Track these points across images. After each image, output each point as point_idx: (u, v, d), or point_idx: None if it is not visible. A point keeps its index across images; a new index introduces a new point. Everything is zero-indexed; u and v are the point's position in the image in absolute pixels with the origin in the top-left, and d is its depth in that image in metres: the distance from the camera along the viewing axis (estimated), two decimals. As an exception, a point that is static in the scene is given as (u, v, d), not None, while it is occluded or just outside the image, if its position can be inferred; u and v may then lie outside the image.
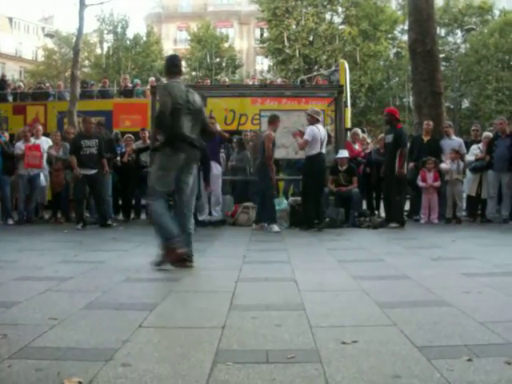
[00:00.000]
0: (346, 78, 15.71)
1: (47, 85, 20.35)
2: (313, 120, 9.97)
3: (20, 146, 11.65)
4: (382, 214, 11.46)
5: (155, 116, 6.28)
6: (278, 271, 5.44)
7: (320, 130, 9.89)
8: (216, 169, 10.86)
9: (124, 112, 15.85)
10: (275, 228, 9.73)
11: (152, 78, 19.50)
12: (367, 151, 12.74)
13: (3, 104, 17.00)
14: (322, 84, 15.93)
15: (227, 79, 21.34)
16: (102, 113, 14.70)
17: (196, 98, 5.90)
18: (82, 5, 15.78)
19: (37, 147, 11.58)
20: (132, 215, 12.56)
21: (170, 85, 5.87)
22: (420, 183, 11.25)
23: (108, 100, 16.95)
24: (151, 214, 6.70)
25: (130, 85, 17.85)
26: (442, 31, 39.39)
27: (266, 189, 10.01)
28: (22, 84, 20.54)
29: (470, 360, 2.68)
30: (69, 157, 10.93)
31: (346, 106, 14.63)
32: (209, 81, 21.16)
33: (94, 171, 10.62)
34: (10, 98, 17.81)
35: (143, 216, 12.46)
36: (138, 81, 19.66)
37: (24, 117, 16.08)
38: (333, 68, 19.61)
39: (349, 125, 14.57)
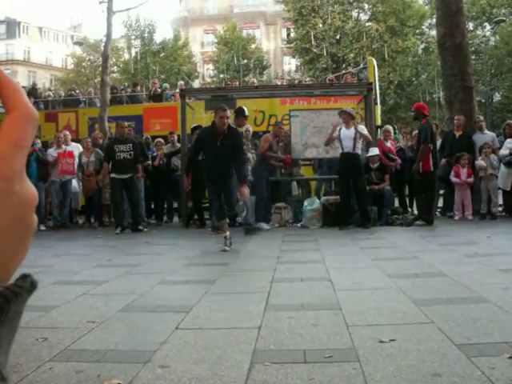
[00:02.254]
0: (375, 75, 15.59)
1: (77, 92, 20.61)
2: (350, 118, 9.99)
3: (52, 152, 11.82)
4: (416, 212, 11.35)
5: None
6: (312, 271, 5.43)
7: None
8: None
9: (154, 116, 15.95)
10: (265, 226, 10.11)
11: (181, 82, 19.61)
12: (397, 148, 12.64)
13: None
14: (350, 82, 15.85)
15: (255, 80, 21.35)
16: (132, 118, 14.81)
17: None
18: (110, 12, 15.95)
19: (70, 154, 11.74)
20: (165, 218, 12.64)
21: None
22: (453, 179, 11.09)
23: (138, 105, 17.09)
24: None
25: (159, 89, 17.98)
26: (470, 24, 38.80)
27: (261, 190, 10.44)
28: (50, 93, 20.82)
29: (511, 358, 2.64)
30: (103, 163, 11.03)
31: (376, 104, 14.55)
32: (237, 82, 21.19)
33: (128, 175, 10.68)
34: (42, 106, 18.09)
35: (176, 219, 12.54)
36: (167, 85, 19.79)
37: (56, 124, 16.29)
38: (361, 66, 19.49)
39: (379, 122, 14.44)
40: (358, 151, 10.05)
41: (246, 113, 10.31)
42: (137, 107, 16.68)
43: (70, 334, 3.30)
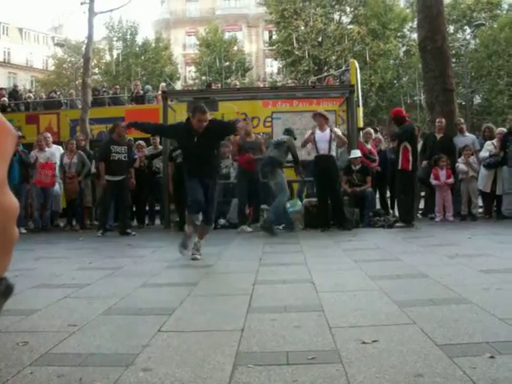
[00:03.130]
0: (357, 77, 15.67)
1: (58, 93, 20.50)
2: (324, 121, 10.03)
3: (33, 155, 11.71)
4: (397, 213, 11.43)
5: None
6: (294, 273, 5.44)
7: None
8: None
9: (136, 118, 15.85)
10: (247, 229, 10.31)
11: (163, 84, 19.56)
12: (378, 150, 12.70)
13: (16, 114, 17.12)
14: (332, 84, 15.92)
15: (238, 82, 21.37)
16: (114, 119, 14.72)
17: None
18: (92, 13, 15.88)
19: (50, 165, 11.61)
20: (146, 221, 12.59)
21: None
22: (433, 181, 11.18)
23: (120, 107, 17.05)
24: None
25: (141, 91, 17.94)
26: (451, 28, 39.16)
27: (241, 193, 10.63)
28: (31, 95, 20.67)
29: (492, 357, 2.66)
30: (97, 164, 10.89)
31: (358, 106, 14.63)
32: (219, 85, 21.20)
33: (121, 177, 10.61)
34: (23, 108, 17.96)
35: (157, 222, 12.49)
36: (149, 87, 19.76)
37: (37, 126, 16.19)
38: (343, 68, 19.58)
39: (361, 124, 14.52)
40: (333, 153, 10.10)
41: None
42: (119, 109, 16.64)
43: (51, 338, 3.27)
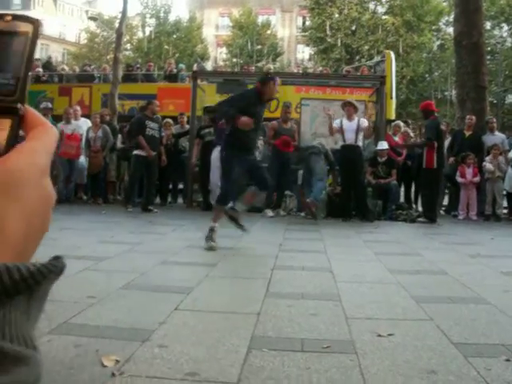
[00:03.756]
0: (392, 68, 15.46)
1: (92, 67, 20.57)
2: (353, 110, 9.95)
3: (60, 127, 11.77)
4: (420, 208, 11.36)
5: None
6: (314, 261, 5.44)
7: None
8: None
9: (168, 96, 15.85)
10: (269, 213, 10.27)
11: (196, 64, 19.46)
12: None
13: (50, 85, 17.21)
14: (364, 74, 15.79)
15: (271, 67, 21.21)
16: (146, 96, 14.72)
17: None
18: (127, -12, 15.88)
19: (75, 137, 11.70)
20: (169, 199, 12.66)
21: None
22: (459, 179, 11.06)
23: (152, 84, 17.03)
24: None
25: (174, 70, 17.92)
26: (488, 24, 38.53)
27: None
28: (65, 67, 20.74)
29: (508, 360, 2.64)
30: (136, 138, 10.84)
31: (391, 98, 14.53)
32: (253, 68, 21.07)
33: (153, 153, 10.66)
34: (56, 79, 18.06)
35: (180, 200, 12.56)
36: (183, 66, 19.72)
37: (69, 98, 16.24)
38: (378, 58, 19.37)
39: (393, 116, 14.36)
40: (360, 143, 10.01)
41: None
42: (151, 86, 16.62)
43: (70, 308, 3.32)
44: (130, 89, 16.04)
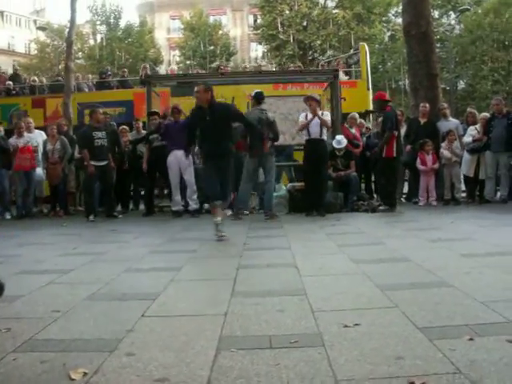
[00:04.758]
0: (367, 61, 15.64)
1: (62, 77, 20.27)
2: (317, 105, 9.95)
3: (12, 141, 11.59)
4: (381, 198, 11.51)
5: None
6: (278, 257, 5.46)
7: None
8: (186, 157, 10.10)
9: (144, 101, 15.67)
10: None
11: (145, 65, 19.23)
12: (367, 135, 12.74)
13: (22, 98, 16.80)
14: (317, 69, 15.91)
15: (248, 66, 20.93)
16: (122, 103, 14.54)
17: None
18: (74, -4, 15.70)
19: (28, 149, 11.52)
20: (131, 206, 12.57)
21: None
22: (420, 166, 11.22)
23: (128, 90, 16.78)
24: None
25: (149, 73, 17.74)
26: (435, 13, 39.21)
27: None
28: (36, 78, 20.26)
29: (471, 339, 2.70)
30: (80, 150, 10.84)
31: (368, 89, 15.01)
32: (228, 68, 20.80)
33: (104, 163, 10.65)
34: (28, 91, 17.60)
35: (142, 206, 12.47)
36: (158, 69, 19.60)
37: (43, 110, 15.85)
38: (351, 51, 19.57)
39: (370, 107, 14.43)
40: (324, 137, 10.05)
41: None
42: (127, 92, 16.38)
43: (35, 324, 3.27)
44: (106, 96, 15.82)
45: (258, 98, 10.05)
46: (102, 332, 3.11)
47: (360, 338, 2.82)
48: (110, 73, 19.58)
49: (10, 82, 17.77)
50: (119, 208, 12.07)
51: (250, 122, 8.48)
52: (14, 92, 17.40)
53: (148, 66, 18.54)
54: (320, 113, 9.92)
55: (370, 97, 14.80)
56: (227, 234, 7.07)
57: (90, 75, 20.13)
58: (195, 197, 10.52)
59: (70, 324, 3.29)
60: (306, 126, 9.90)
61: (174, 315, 3.44)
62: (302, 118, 10.03)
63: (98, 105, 14.42)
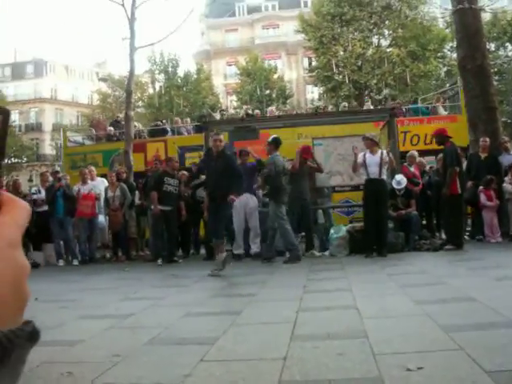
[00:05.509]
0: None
1: (163, 121, 20.83)
2: (373, 144, 9.90)
3: (77, 188, 12.04)
4: (444, 236, 11.24)
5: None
6: (338, 299, 5.37)
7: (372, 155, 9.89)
8: (252, 201, 10.60)
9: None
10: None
11: (177, 119, 19.69)
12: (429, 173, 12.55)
13: (122, 142, 17.22)
14: (372, 108, 15.88)
15: (274, 109, 21.17)
16: (199, 147, 14.68)
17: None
18: (133, 48, 16.24)
19: (91, 196, 11.90)
20: (191, 251, 12.69)
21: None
22: (487, 203, 10.92)
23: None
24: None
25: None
26: (492, 45, 38.70)
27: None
28: (136, 124, 20.73)
29: (543, 383, 2.57)
30: (150, 192, 11.10)
31: None
32: (257, 111, 21.14)
33: (170, 208, 10.91)
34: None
35: (203, 251, 12.54)
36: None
37: (144, 154, 16.17)
38: (447, 86, 19.67)
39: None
40: (384, 177, 9.95)
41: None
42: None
43: (95, 368, 3.30)
44: (183, 141, 16.40)
45: (278, 144, 10.16)
46: (161, 377, 3.11)
47: (423, 382, 2.73)
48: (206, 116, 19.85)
49: (111, 128, 18.35)
50: (180, 252, 12.19)
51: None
52: (114, 138, 17.93)
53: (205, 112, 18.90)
54: (380, 152, 9.85)
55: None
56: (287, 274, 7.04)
57: (188, 119, 20.35)
58: (258, 240, 10.51)
59: (129, 368, 3.30)
60: (357, 168, 9.90)
61: (232, 359, 3.41)
62: (359, 159, 9.97)
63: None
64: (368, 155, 9.87)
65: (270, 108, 19.25)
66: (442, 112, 16.13)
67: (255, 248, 10.46)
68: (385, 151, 10.15)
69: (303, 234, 10.94)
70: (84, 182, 12.12)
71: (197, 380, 2.99)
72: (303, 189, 10.43)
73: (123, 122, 17.43)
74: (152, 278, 8.63)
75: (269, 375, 2.98)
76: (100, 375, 3.16)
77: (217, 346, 3.74)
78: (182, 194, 12.02)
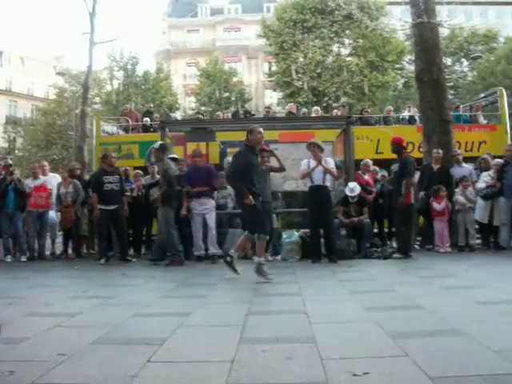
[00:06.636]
0: (505, 105, 16.26)
1: (204, 114, 20.28)
2: (319, 151, 9.95)
3: (29, 183, 11.78)
4: (395, 245, 11.42)
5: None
6: (288, 304, 5.38)
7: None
8: (210, 203, 10.64)
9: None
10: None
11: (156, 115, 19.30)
12: (382, 182, 12.72)
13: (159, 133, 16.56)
14: (330, 115, 15.99)
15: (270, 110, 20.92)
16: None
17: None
18: (92, 43, 16.05)
19: (44, 188, 11.68)
20: (143, 250, 12.55)
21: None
22: (435, 211, 11.11)
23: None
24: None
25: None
26: (448, 60, 39.60)
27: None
28: (177, 116, 19.96)
29: (484, 390, 2.62)
30: (90, 194, 10.93)
31: (507, 133, 15.45)
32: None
33: (115, 207, 10.68)
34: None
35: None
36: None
37: (184, 147, 15.57)
38: (481, 95, 20.10)
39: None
40: (328, 183, 10.03)
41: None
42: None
43: (39, 368, 3.22)
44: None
45: (164, 149, 10.36)
46: (107, 377, 3.06)
47: (369, 387, 2.75)
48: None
49: (148, 119, 17.56)
50: (131, 252, 12.06)
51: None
52: (151, 129, 17.04)
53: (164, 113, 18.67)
54: (324, 160, 9.92)
55: (509, 141, 15.00)
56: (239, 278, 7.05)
57: (229, 114, 19.76)
58: (215, 240, 10.48)
59: (74, 368, 3.24)
60: (308, 174, 9.93)
61: (179, 361, 3.38)
62: (304, 166, 10.03)
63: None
64: (312, 162, 9.94)
65: (314, 108, 18.96)
66: (482, 121, 16.69)
67: (214, 249, 10.42)
68: (328, 158, 10.21)
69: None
70: (35, 177, 11.88)
71: (143, 381, 2.96)
72: (264, 190, 10.21)
73: (156, 115, 16.94)
74: (102, 277, 8.50)
75: (216, 378, 2.96)
76: (44, 374, 3.09)
77: (165, 347, 3.70)
78: (136, 193, 11.90)
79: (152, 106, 20.98)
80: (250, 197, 7.37)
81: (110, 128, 17.56)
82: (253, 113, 19.80)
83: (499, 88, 17.95)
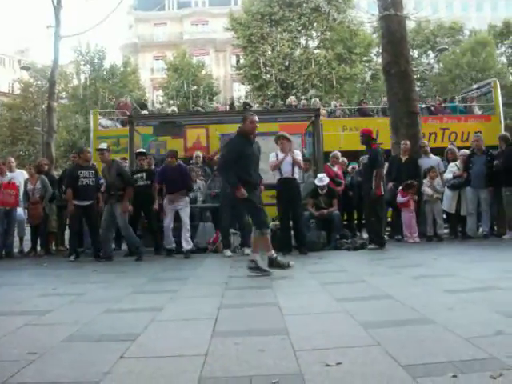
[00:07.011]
0: (499, 96, 16.65)
1: (204, 108, 19.99)
2: (288, 143, 9.98)
3: (-4, 180, 11.56)
4: (365, 236, 11.52)
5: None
6: (260, 296, 5.41)
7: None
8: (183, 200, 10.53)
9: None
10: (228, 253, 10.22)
11: (122, 99, 19.10)
12: (352, 175, 12.81)
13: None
14: (300, 108, 16.04)
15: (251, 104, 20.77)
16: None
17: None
18: (57, 37, 15.83)
19: (12, 185, 11.45)
20: (113, 246, 12.42)
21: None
22: (402, 203, 11.22)
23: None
24: None
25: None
26: (415, 52, 40.03)
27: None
28: (175, 108, 19.56)
29: (455, 376, 2.68)
30: (66, 191, 10.70)
31: (500, 123, 16.05)
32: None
33: (89, 202, 10.48)
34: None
35: (124, 247, 12.33)
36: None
37: (184, 140, 15.16)
38: (474, 86, 20.35)
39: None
40: (296, 176, 10.07)
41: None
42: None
43: (9, 367, 3.18)
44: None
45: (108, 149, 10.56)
46: (79, 375, 3.03)
47: (342, 377, 2.78)
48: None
49: (146, 112, 17.21)
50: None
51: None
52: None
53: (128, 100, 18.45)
54: (296, 152, 10.00)
55: (503, 130, 15.22)
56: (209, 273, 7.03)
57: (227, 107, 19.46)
58: (188, 236, 10.40)
59: (46, 367, 3.21)
60: (277, 166, 9.94)
61: (153, 356, 3.37)
62: (272, 158, 10.06)
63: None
64: (280, 155, 9.97)
65: (291, 97, 18.90)
66: (477, 111, 17.16)
67: (186, 245, 10.36)
68: (296, 151, 10.27)
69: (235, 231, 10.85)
70: (1, 173, 11.66)
71: (116, 377, 2.94)
72: None
73: (151, 108, 16.64)
74: (72, 274, 8.40)
75: (189, 372, 2.96)
76: (14, 374, 3.06)
77: (137, 343, 3.69)
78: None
79: (146, 99, 20.87)
80: (243, 189, 7.20)
81: (105, 122, 17.38)
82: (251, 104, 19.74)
83: (493, 79, 18.40)
